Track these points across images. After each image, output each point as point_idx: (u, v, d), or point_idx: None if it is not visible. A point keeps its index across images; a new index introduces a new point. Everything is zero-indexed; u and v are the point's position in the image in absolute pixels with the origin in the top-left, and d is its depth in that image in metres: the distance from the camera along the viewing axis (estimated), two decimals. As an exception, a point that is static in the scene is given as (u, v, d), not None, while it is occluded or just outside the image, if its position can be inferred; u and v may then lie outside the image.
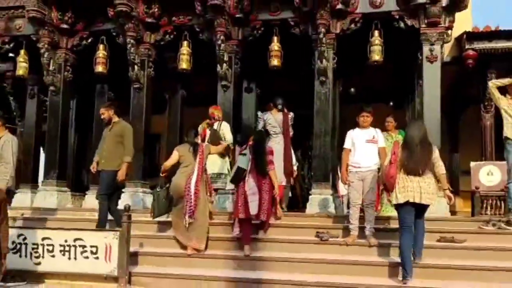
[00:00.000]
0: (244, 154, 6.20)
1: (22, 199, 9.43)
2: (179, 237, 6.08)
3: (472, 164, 9.26)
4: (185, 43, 8.45)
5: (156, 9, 8.35)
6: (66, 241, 5.40)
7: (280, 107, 7.65)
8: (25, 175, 9.98)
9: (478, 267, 5.14)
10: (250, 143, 6.27)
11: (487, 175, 8.71)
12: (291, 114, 7.70)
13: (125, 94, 9.83)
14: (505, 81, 6.34)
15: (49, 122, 9.30)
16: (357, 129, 6.19)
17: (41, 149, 10.57)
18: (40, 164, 10.81)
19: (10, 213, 7.15)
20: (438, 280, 5.00)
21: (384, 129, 7.58)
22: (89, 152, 11.89)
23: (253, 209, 5.90)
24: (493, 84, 6.45)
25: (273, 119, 7.57)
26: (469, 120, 11.37)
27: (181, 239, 6.04)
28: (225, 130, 7.39)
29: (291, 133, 7.70)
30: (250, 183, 6.01)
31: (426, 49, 7.65)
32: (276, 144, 7.33)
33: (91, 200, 9.30)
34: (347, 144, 6.15)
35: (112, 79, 9.68)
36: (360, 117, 6.11)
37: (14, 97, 11.55)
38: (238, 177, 6.10)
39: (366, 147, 6.01)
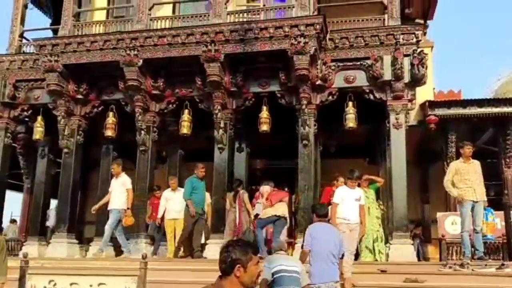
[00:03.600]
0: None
1: (30, 250, 10.20)
2: None
3: (439, 214, 10.47)
4: (186, 111, 9.70)
5: (161, 83, 9.64)
6: (91, 285, 6.30)
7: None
8: (34, 228, 10.86)
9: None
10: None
11: (452, 224, 9.86)
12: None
13: (128, 153, 11.03)
14: (455, 193, 7.56)
15: (62, 181, 10.27)
16: (346, 188, 7.33)
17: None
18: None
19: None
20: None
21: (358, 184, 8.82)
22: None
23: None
24: (447, 184, 7.67)
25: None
26: (437, 174, 12.61)
27: None
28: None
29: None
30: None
31: (392, 117, 9.01)
32: None
33: (94, 251, 10.22)
34: (337, 199, 7.20)
35: (116, 141, 10.81)
36: (349, 181, 7.29)
37: (23, 156, 12.53)
38: None
39: (354, 204, 7.12)
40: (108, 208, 9.25)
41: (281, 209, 8.65)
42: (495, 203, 10.59)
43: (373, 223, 8.09)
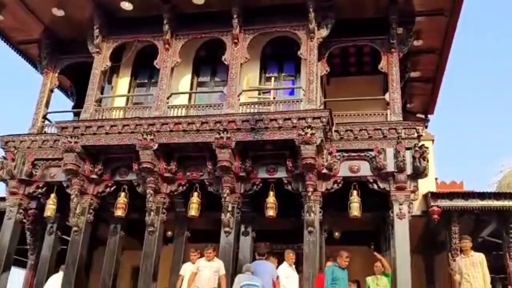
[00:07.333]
0: None
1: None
2: None
3: (442, 303, 10.33)
4: (195, 194, 9.99)
5: (174, 166, 10.01)
6: None
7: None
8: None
9: None
10: None
11: (456, 313, 9.71)
12: None
13: (134, 232, 11.22)
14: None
15: (68, 258, 10.25)
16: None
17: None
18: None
19: None
20: None
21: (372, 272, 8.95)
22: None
23: None
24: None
25: None
26: (442, 264, 12.62)
27: None
28: None
29: None
30: None
31: (396, 208, 9.22)
32: None
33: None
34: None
35: (124, 219, 10.95)
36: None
37: (30, 232, 12.62)
38: None
39: None
40: None
41: None
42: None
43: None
